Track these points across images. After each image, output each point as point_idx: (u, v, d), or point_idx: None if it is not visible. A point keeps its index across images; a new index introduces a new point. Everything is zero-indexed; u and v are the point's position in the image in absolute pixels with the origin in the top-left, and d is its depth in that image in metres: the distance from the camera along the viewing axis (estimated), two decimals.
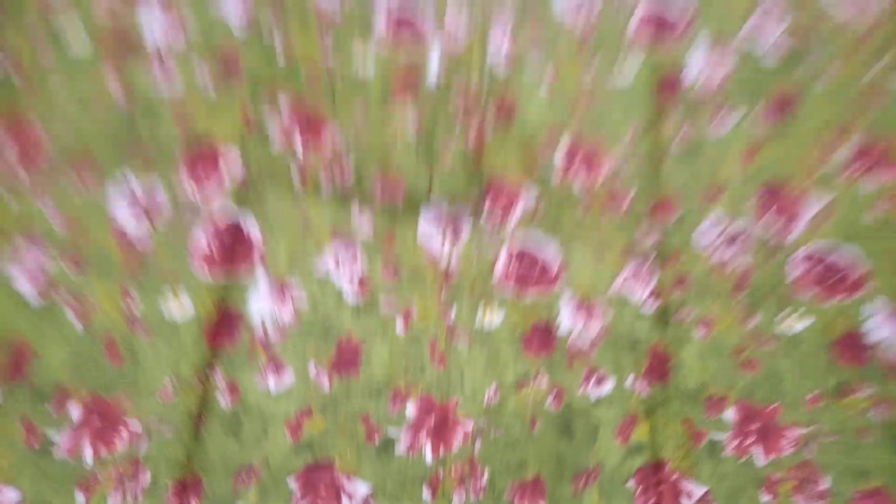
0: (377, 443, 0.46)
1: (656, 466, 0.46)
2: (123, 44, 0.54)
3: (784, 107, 0.57)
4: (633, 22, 0.60)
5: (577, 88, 0.58)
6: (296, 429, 0.45)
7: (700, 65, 0.58)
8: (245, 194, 0.49)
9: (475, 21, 0.60)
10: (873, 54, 0.57)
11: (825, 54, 0.58)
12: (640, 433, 0.47)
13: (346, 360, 0.48)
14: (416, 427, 0.46)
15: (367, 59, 0.58)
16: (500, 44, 0.60)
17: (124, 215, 0.49)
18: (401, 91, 0.57)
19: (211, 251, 0.48)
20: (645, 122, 0.57)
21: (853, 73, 0.57)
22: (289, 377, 0.47)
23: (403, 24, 0.60)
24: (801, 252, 0.52)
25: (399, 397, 0.47)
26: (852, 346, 0.49)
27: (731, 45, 0.59)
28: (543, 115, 0.58)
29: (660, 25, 0.60)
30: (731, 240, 0.53)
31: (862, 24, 0.58)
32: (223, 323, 0.47)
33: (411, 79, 0.58)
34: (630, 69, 0.59)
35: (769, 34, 0.59)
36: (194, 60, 0.54)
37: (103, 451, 0.44)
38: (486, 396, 0.48)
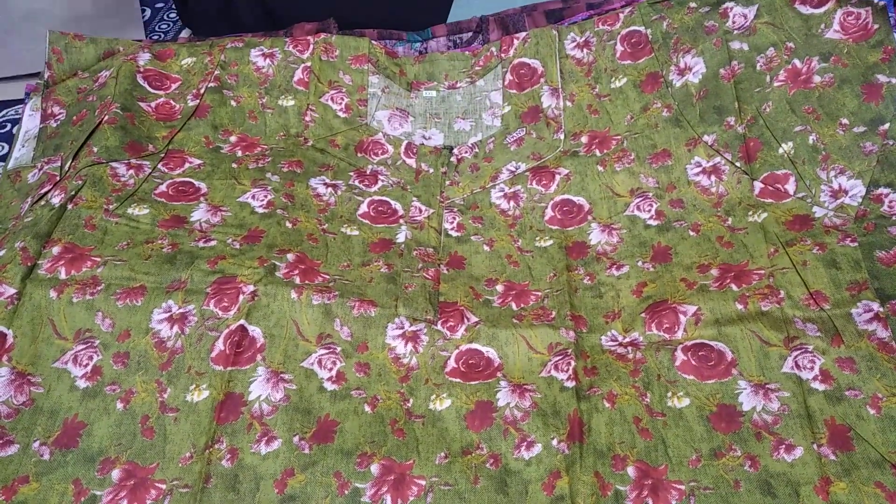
0: (347, 493, 0.57)
1: None
2: (176, 224, 0.75)
3: (662, 257, 0.76)
4: (547, 213, 0.83)
5: (508, 253, 0.79)
6: (281, 484, 0.57)
7: (598, 237, 0.79)
8: (254, 309, 0.66)
9: (433, 211, 0.82)
10: (724, 214, 0.77)
11: (690, 217, 0.78)
12: (562, 485, 0.57)
13: (323, 432, 0.61)
14: (378, 483, 0.58)
15: (352, 231, 0.79)
16: (452, 222, 0.81)
17: (162, 326, 0.65)
18: (376, 249, 0.77)
19: (225, 349, 0.64)
20: (559, 270, 0.76)
21: (711, 228, 0.76)
22: (277, 444, 0.59)
23: (380, 212, 0.82)
24: (682, 347, 0.66)
25: (365, 460, 0.59)
26: (726, 417, 0.61)
27: (617, 224, 0.80)
28: (484, 268, 0.77)
29: (566, 214, 0.82)
30: (629, 344, 0.68)
31: (714, 194, 0.79)
32: (229, 403, 0.61)
33: (385, 243, 0.78)
34: (546, 242, 0.80)
35: (645, 213, 0.80)
36: (227, 232, 0.74)
37: None
38: (437, 459, 0.60)
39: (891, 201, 0.71)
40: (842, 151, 0.74)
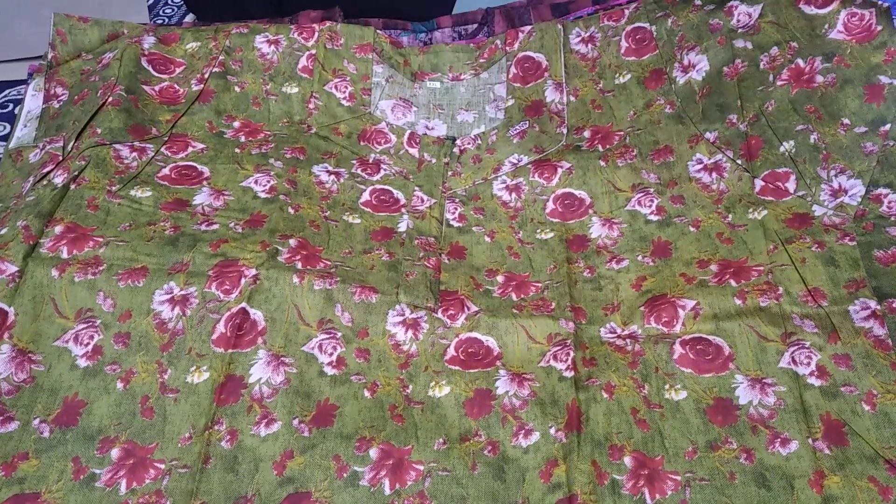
0: (346, 476, 0.57)
1: (570, 500, 0.57)
2: (178, 207, 0.74)
3: (662, 252, 0.76)
4: (549, 206, 0.83)
5: (509, 244, 0.79)
6: (280, 466, 0.57)
7: (598, 231, 0.79)
8: (256, 292, 0.66)
9: (435, 201, 0.82)
10: (725, 211, 0.77)
11: (690, 213, 0.78)
12: (559, 473, 0.58)
13: (323, 416, 0.61)
14: (377, 467, 0.58)
15: (354, 219, 0.79)
16: (453, 213, 0.82)
17: (163, 308, 0.65)
18: (378, 238, 0.77)
19: (226, 332, 0.64)
20: (560, 262, 0.76)
21: (711, 224, 0.77)
22: (276, 427, 0.60)
23: (382, 201, 0.82)
24: (681, 340, 0.66)
25: (364, 444, 0.59)
26: (722, 410, 0.61)
27: (618, 219, 0.80)
28: (485, 259, 0.77)
29: (567, 207, 0.82)
30: (627, 336, 0.69)
31: (715, 191, 0.79)
32: (229, 385, 0.61)
33: (386, 231, 0.78)
34: (547, 234, 0.80)
35: (646, 208, 0.80)
36: (229, 216, 0.74)
37: (134, 484, 0.57)
38: (435, 445, 0.60)
39: (890, 202, 0.72)
40: (842, 151, 0.74)
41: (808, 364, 0.62)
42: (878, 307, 0.63)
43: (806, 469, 0.56)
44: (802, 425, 0.58)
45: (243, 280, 0.66)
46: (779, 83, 0.80)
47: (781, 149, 0.77)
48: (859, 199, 0.72)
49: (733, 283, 0.69)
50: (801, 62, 0.79)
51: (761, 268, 0.70)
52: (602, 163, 0.84)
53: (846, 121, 0.75)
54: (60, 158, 0.78)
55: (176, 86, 0.90)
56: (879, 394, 0.59)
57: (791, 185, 0.76)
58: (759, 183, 0.78)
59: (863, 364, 0.61)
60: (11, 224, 0.69)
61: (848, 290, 0.65)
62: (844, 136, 0.75)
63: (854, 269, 0.67)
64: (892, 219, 0.70)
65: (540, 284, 0.74)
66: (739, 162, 0.79)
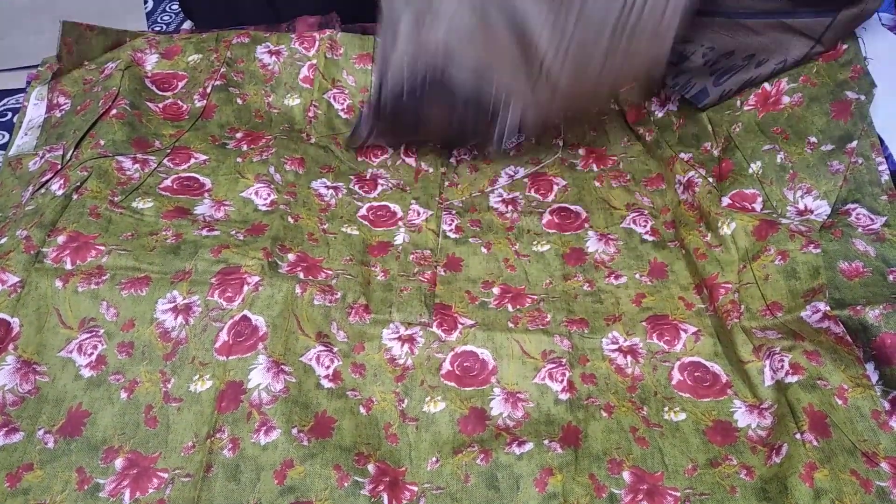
0: (346, 486, 0.56)
1: None
2: (180, 214, 0.73)
3: (658, 273, 0.76)
4: (545, 218, 0.82)
5: (505, 256, 0.78)
6: (281, 475, 0.56)
7: (595, 245, 0.79)
8: (258, 298, 0.65)
9: (431, 213, 0.82)
10: (706, 230, 0.77)
11: (679, 235, 0.78)
12: (554, 483, 0.57)
13: (321, 427, 0.60)
14: (375, 481, 0.57)
15: (352, 230, 0.79)
16: (450, 224, 0.82)
17: (166, 317, 0.64)
18: (374, 252, 0.76)
19: (228, 340, 0.62)
20: (556, 279, 0.76)
21: (691, 240, 0.76)
22: (276, 435, 0.58)
23: (379, 216, 0.82)
24: (681, 363, 0.66)
25: (362, 459, 0.58)
26: (722, 431, 0.61)
27: (614, 235, 0.80)
28: (481, 270, 0.77)
29: (563, 219, 0.82)
30: (628, 350, 0.68)
31: (696, 208, 0.79)
32: (229, 391, 0.60)
33: (383, 246, 0.77)
34: (544, 246, 0.79)
35: (641, 227, 0.80)
36: (230, 226, 0.73)
37: (138, 494, 0.55)
38: (428, 466, 0.59)
39: (858, 214, 0.70)
40: (809, 170, 0.73)
41: (782, 366, 0.62)
42: (828, 308, 0.62)
43: (796, 465, 0.55)
44: (791, 424, 0.58)
45: (246, 287, 0.65)
46: (745, 108, 0.79)
47: (750, 170, 0.76)
48: (824, 217, 0.71)
49: (712, 307, 0.69)
50: (767, 86, 0.78)
51: (729, 285, 0.70)
52: (597, 183, 0.84)
53: (813, 139, 0.74)
54: (59, 167, 0.77)
55: (179, 102, 0.88)
56: (850, 388, 0.58)
57: (758, 206, 0.75)
58: (725, 200, 0.76)
59: (831, 359, 0.60)
60: (11, 234, 0.67)
61: (805, 299, 0.64)
62: (811, 154, 0.73)
63: (813, 278, 0.65)
64: (860, 230, 0.69)
65: (536, 297, 0.74)
66: (711, 180, 0.79)
